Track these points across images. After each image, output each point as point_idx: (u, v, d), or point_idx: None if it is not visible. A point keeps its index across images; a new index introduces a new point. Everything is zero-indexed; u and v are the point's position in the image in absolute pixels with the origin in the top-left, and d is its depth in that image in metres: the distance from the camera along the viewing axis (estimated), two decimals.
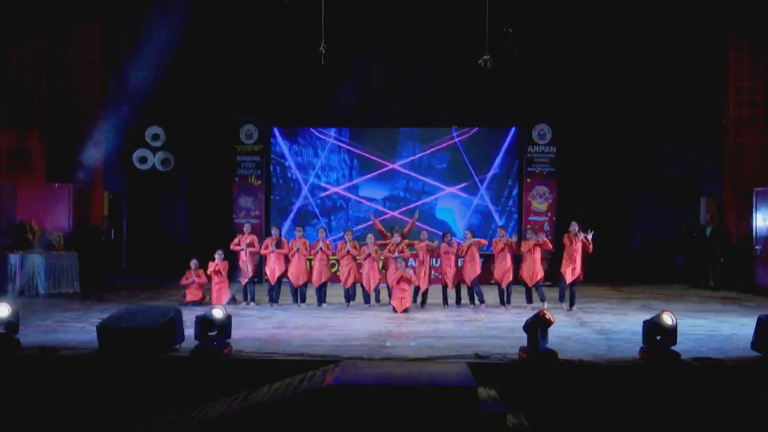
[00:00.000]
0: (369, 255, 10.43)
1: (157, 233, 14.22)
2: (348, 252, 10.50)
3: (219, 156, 14.41)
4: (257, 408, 5.57)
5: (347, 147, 14.57)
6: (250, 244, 10.73)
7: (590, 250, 10.08)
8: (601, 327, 8.58)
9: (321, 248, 10.49)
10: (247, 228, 11.10)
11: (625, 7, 12.36)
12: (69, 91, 13.22)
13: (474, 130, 14.36)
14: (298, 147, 14.64)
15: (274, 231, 10.86)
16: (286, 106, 14.32)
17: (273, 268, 10.54)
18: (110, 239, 13.27)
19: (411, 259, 10.53)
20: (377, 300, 10.66)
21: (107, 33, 13.35)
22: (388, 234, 10.97)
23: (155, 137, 13.87)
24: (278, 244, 10.70)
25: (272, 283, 10.58)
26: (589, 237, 10.00)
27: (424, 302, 10.44)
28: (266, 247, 10.66)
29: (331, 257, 10.78)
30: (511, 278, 10.34)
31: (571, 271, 10.04)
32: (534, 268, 10.24)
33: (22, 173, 12.63)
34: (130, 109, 13.97)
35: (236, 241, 10.91)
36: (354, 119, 14.47)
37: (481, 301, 10.31)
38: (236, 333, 7.63)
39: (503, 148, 14.34)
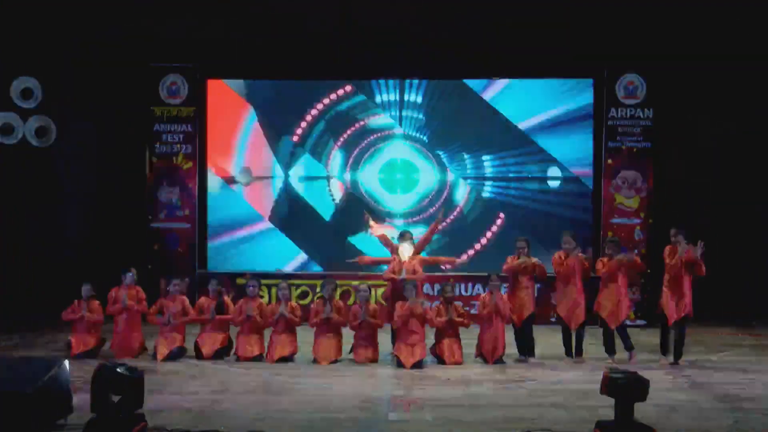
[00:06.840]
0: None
1: (28, 243, 14.23)
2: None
3: (126, 123, 14.44)
4: None
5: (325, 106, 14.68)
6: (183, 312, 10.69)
7: (702, 272, 10.12)
8: (724, 391, 8.68)
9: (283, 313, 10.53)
10: (174, 288, 10.85)
11: None
12: None
13: (526, 82, 14.45)
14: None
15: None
16: (232, 48, 14.35)
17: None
18: None
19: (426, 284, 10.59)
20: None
21: None
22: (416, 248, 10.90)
23: (26, 94, 13.88)
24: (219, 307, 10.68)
25: None
26: (699, 252, 10.04)
27: None
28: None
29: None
30: (584, 316, 10.38)
31: (676, 304, 10.09)
32: (619, 300, 10.27)
33: None
34: None
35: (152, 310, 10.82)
36: (335, 67, 14.52)
37: (531, 353, 10.37)
38: (155, 400, 7.67)
39: (572, 111, 14.44)
